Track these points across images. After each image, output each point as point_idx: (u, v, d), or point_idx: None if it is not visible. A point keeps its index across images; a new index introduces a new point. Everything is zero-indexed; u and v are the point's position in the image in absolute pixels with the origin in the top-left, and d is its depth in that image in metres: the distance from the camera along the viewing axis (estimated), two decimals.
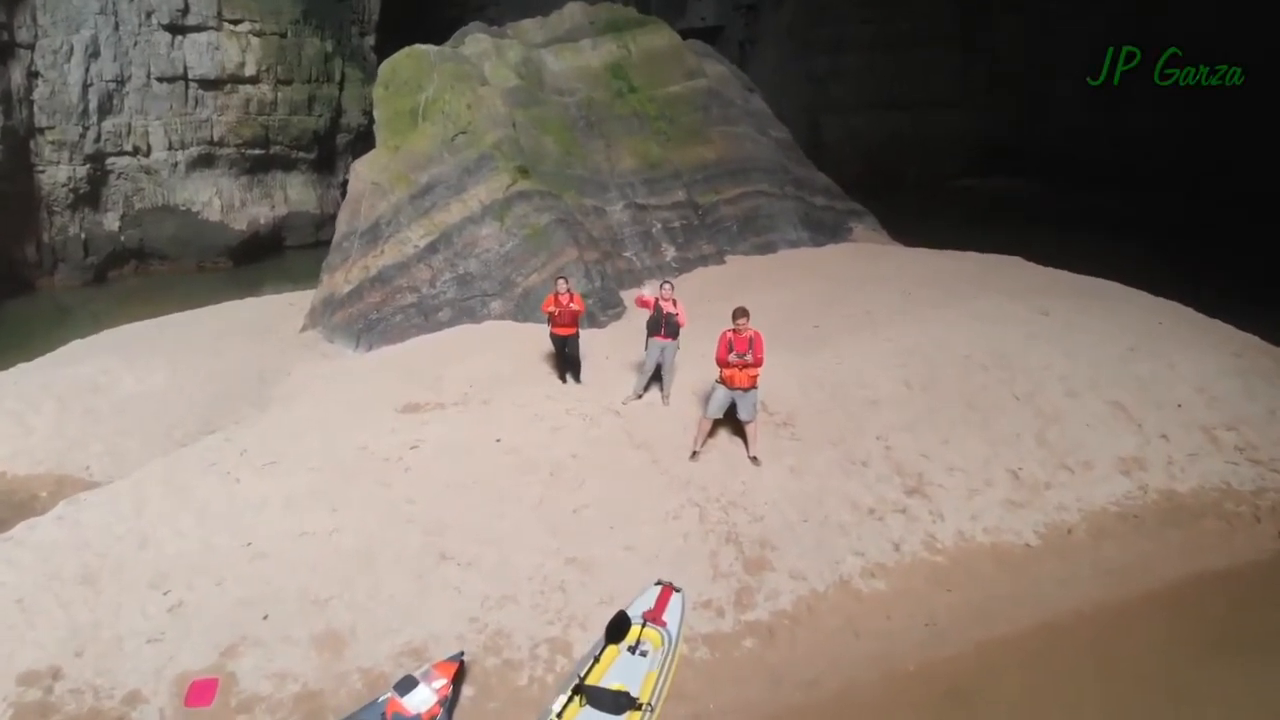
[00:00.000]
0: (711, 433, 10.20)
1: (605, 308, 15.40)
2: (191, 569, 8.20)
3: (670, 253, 18.28)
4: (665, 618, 7.46)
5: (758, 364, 9.62)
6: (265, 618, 7.66)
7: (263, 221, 28.55)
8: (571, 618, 7.82)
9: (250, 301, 18.43)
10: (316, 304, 15.98)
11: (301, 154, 29.93)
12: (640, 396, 11.22)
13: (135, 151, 25.99)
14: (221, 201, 27.51)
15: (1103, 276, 16.51)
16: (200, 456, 10.07)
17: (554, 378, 12.13)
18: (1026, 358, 12.12)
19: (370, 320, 15.13)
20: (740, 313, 9.58)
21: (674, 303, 10.81)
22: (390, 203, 15.89)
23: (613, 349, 13.17)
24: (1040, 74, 37.41)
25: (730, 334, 9.62)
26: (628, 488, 9.46)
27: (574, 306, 11.48)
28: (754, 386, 9.76)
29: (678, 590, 7.82)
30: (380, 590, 7.96)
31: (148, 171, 26.32)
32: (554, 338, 11.73)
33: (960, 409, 11.17)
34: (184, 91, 26.72)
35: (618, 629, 7.24)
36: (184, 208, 26.87)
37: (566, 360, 11.90)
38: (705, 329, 12.04)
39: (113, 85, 25.20)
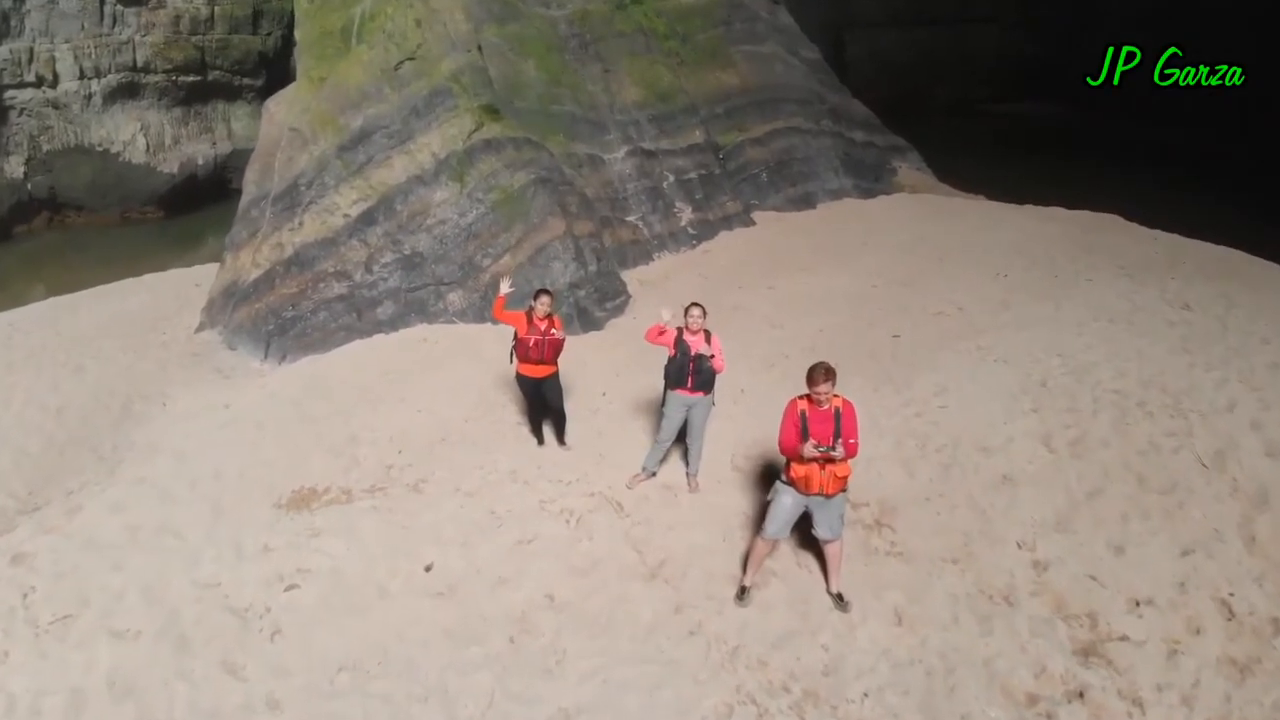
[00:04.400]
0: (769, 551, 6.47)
1: (603, 300, 11.50)
2: None
3: (686, 214, 14.31)
4: None
5: (850, 454, 5.80)
6: None
7: (200, 162, 24.39)
8: None
9: (148, 280, 14.33)
10: (216, 294, 11.99)
11: (246, 80, 25.63)
12: (654, 475, 7.46)
13: (39, 82, 21.85)
14: (148, 140, 23.33)
15: (1186, 232, 14.12)
16: None
17: (525, 432, 8.32)
18: (1199, 391, 8.37)
19: (284, 319, 11.19)
20: (821, 374, 5.64)
21: (706, 336, 6.95)
22: (313, 156, 11.83)
23: (612, 376, 9.35)
24: None
25: (804, 405, 5.76)
26: (637, 666, 5.73)
27: (555, 334, 7.59)
28: (842, 490, 5.99)
29: None
30: None
31: (56, 105, 22.18)
32: (523, 380, 7.80)
33: (1129, 487, 7.39)
34: (98, 8, 22.41)
35: None
36: (101, 148, 22.74)
37: (544, 411, 8.08)
38: (739, 340, 8.27)
39: (8, 3, 21.01)
